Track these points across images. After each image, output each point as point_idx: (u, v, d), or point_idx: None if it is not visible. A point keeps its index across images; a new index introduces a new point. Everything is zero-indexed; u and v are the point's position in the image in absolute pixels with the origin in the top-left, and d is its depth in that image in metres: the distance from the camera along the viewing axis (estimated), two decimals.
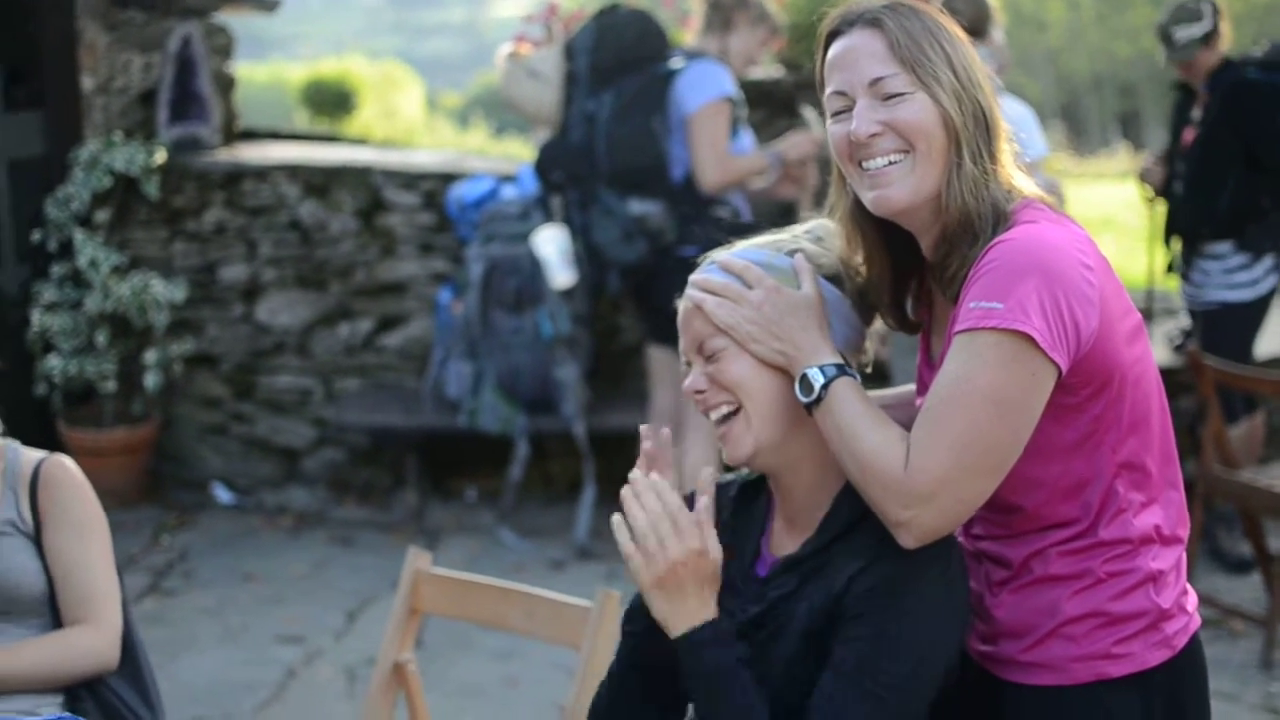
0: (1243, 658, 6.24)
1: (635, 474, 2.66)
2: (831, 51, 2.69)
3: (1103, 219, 16.50)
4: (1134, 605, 2.68)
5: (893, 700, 2.51)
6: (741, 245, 2.78)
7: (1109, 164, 25.13)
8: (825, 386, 2.60)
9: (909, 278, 2.83)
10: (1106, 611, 2.68)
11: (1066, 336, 2.50)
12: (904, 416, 2.73)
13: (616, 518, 2.63)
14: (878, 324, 2.87)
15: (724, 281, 2.70)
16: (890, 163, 2.62)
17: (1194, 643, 2.76)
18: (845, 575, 2.58)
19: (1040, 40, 36.75)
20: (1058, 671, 2.70)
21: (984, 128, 2.64)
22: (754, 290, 2.67)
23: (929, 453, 2.50)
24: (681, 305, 2.76)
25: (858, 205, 2.73)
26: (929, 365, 2.82)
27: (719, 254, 2.78)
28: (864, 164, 2.64)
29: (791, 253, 2.75)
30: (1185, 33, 7.14)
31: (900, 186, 2.62)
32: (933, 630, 2.55)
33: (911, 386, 3.02)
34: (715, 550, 2.61)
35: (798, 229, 2.84)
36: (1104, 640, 2.68)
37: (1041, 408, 2.53)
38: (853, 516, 2.65)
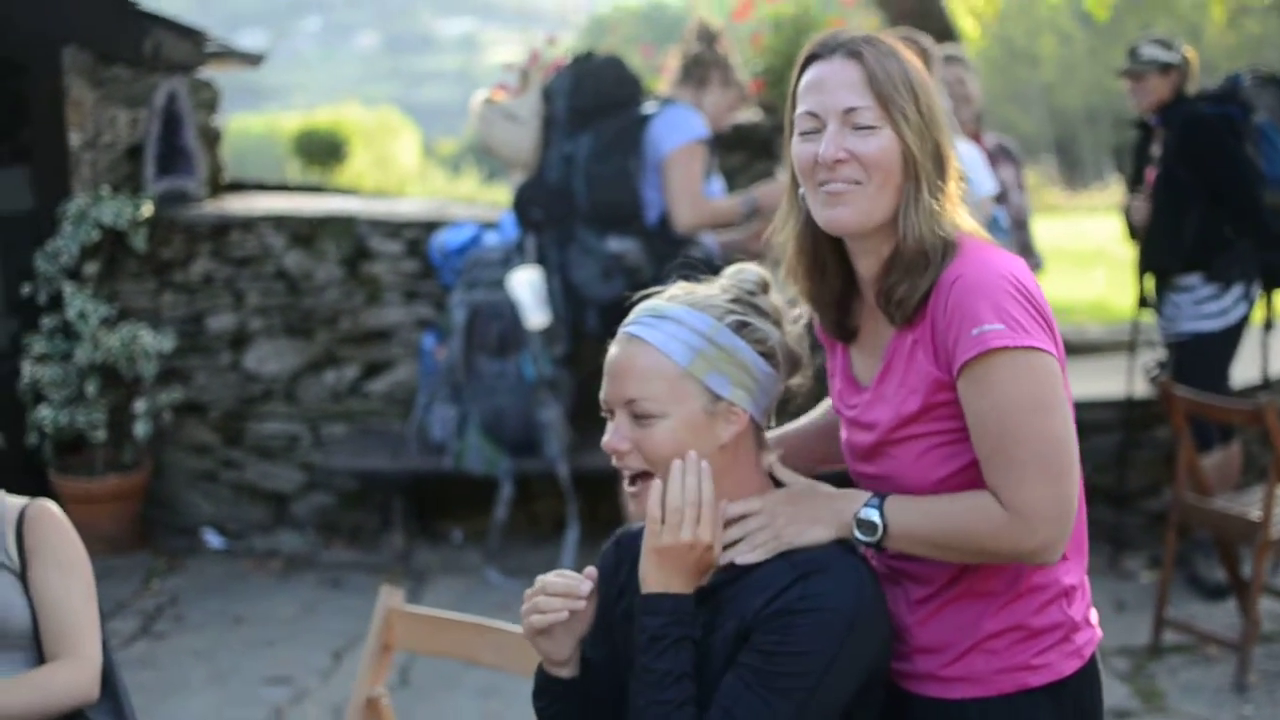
0: (1217, 682, 6.33)
1: (692, 454, 2.73)
2: (809, 74, 2.81)
3: (1095, 251, 16.59)
4: (1050, 618, 2.82)
5: (795, 699, 2.61)
6: (670, 317, 2.78)
7: (1101, 197, 25.26)
8: (882, 515, 2.74)
9: (852, 293, 2.94)
10: (1026, 625, 2.81)
11: (1051, 331, 2.69)
12: (819, 445, 2.88)
13: (656, 482, 2.73)
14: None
15: (733, 514, 2.77)
16: (847, 186, 2.75)
17: (1094, 653, 2.92)
18: (759, 601, 2.68)
19: (1033, 74, 36.88)
20: (980, 684, 2.83)
21: (940, 166, 2.78)
22: (755, 514, 2.78)
23: (1019, 485, 2.64)
24: (615, 351, 2.80)
25: (809, 222, 2.86)
26: (850, 380, 2.95)
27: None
28: (823, 185, 2.77)
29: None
30: (1151, 51, 7.30)
31: (854, 210, 2.75)
32: (837, 643, 2.63)
33: (811, 416, 3.21)
34: (718, 550, 2.74)
35: (721, 294, 2.85)
36: (1024, 653, 2.82)
37: (1066, 394, 2.70)
38: None
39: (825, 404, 3.21)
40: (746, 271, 2.91)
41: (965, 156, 6.60)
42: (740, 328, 2.78)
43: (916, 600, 2.88)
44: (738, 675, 2.64)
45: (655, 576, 2.72)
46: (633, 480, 2.79)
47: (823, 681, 2.62)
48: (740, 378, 2.76)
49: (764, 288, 2.88)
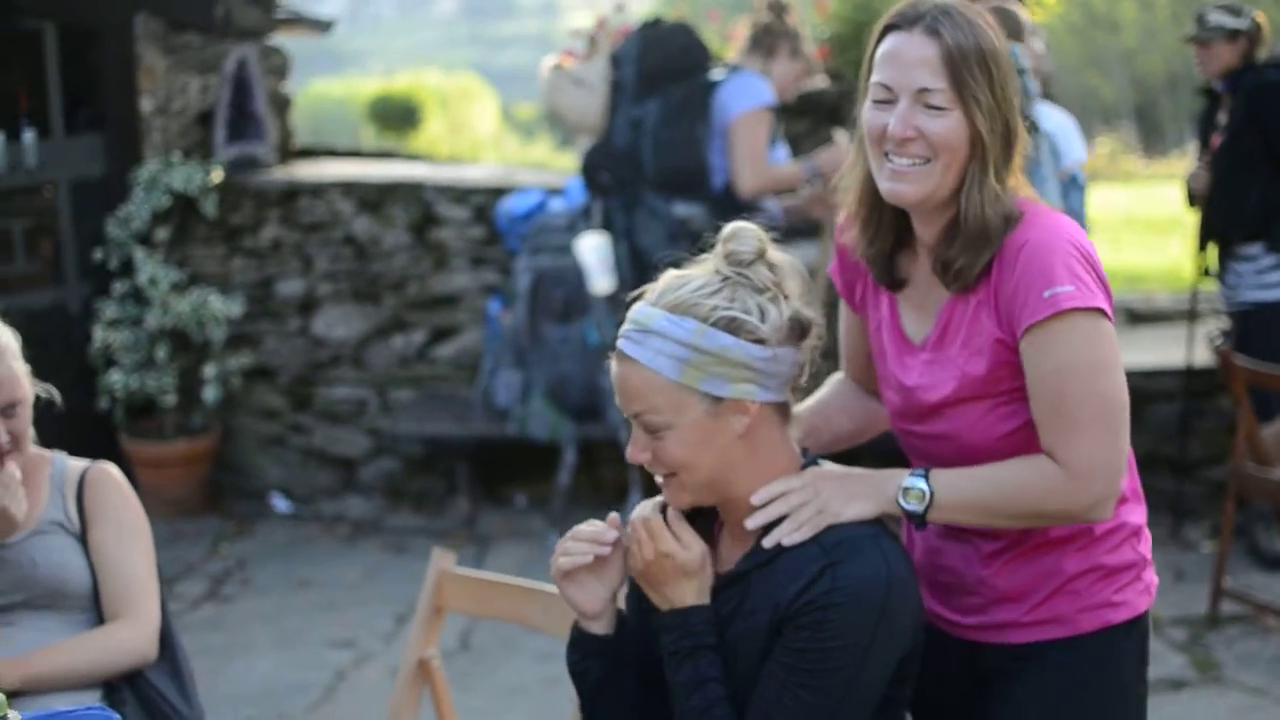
0: (1273, 653, 6.32)
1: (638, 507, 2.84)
2: (887, 44, 2.83)
3: (1170, 219, 16.44)
4: (1124, 557, 2.92)
5: (832, 695, 2.65)
6: (654, 330, 2.74)
7: (1180, 165, 24.99)
8: (928, 482, 2.79)
9: (903, 248, 2.98)
10: (1103, 565, 2.90)
11: (1109, 294, 2.76)
12: (856, 406, 3.04)
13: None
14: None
15: (775, 492, 2.77)
16: (912, 164, 2.79)
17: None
18: (791, 590, 2.68)
19: (1114, 41, 36.50)
20: (1066, 624, 2.91)
21: (1008, 144, 2.81)
22: (796, 490, 2.77)
23: (1076, 443, 2.71)
24: (614, 367, 2.79)
25: (871, 179, 2.90)
26: (901, 337, 2.98)
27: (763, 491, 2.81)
28: (890, 156, 2.81)
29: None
30: (1218, 18, 7.23)
31: (916, 187, 2.80)
32: (868, 633, 2.65)
33: (823, 394, 3.25)
34: (682, 552, 2.78)
35: (707, 286, 2.77)
36: (1104, 591, 2.90)
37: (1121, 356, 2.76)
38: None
39: (833, 381, 3.28)
40: (742, 237, 2.83)
41: (1061, 124, 6.61)
42: (728, 324, 2.72)
43: (989, 554, 2.94)
44: (773, 676, 2.68)
45: (655, 598, 2.82)
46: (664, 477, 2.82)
47: (858, 673, 2.65)
48: (737, 374, 2.71)
49: (760, 253, 2.80)
